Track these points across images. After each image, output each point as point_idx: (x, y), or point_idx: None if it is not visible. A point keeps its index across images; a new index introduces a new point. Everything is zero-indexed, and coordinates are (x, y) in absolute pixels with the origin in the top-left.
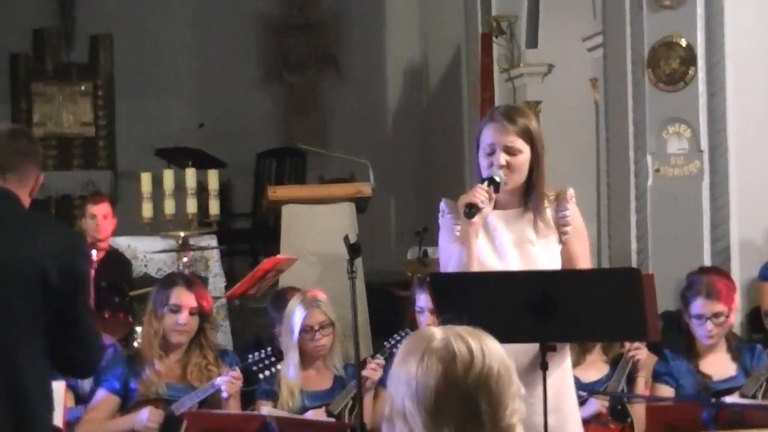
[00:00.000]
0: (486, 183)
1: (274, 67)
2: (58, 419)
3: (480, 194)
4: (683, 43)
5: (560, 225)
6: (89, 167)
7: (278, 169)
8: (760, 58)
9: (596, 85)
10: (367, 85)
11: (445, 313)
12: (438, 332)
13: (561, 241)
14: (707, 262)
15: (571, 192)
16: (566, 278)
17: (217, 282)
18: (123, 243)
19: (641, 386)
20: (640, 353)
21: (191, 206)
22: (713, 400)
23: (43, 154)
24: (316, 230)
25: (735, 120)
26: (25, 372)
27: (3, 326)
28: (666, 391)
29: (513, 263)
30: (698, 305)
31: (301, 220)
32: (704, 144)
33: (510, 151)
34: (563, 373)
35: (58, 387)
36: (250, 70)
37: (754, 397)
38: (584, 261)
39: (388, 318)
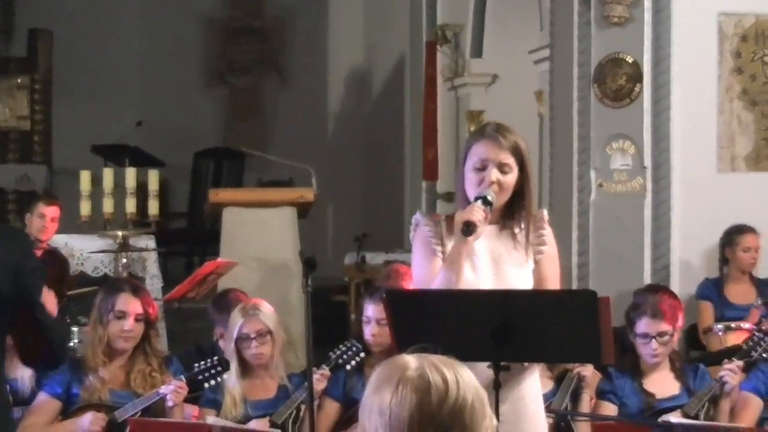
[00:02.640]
0: (480, 201)
1: (217, 70)
2: None
3: (478, 213)
4: (630, 60)
5: (536, 245)
6: (24, 161)
7: (216, 170)
8: (705, 78)
9: (541, 98)
10: (309, 90)
11: (401, 330)
12: (412, 361)
13: (534, 261)
14: (647, 279)
15: (545, 213)
16: (523, 299)
17: (154, 283)
18: (60, 241)
19: (586, 404)
20: (586, 371)
21: (131, 206)
22: (661, 420)
23: None
24: (258, 234)
25: (679, 139)
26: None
27: None
28: (610, 409)
29: (487, 280)
30: (643, 324)
31: (243, 224)
32: (648, 161)
33: (503, 168)
34: (524, 390)
35: None
36: (193, 71)
37: (696, 417)
38: (554, 284)
39: (325, 324)
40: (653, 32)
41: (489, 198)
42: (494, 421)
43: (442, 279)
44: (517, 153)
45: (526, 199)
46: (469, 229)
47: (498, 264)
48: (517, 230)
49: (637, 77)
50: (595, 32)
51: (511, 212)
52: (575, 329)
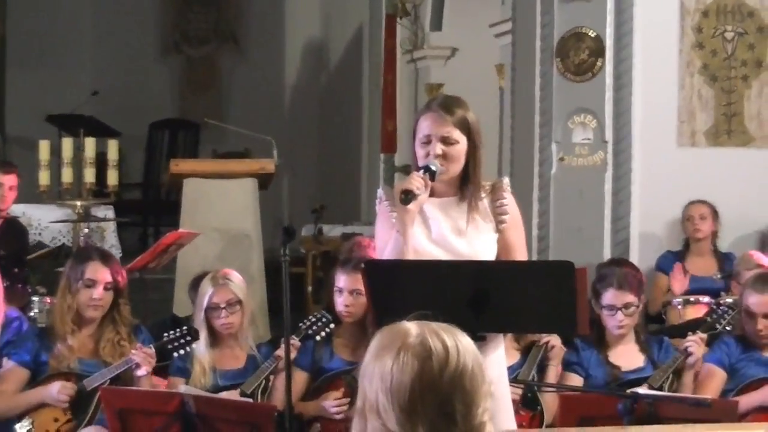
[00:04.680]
0: (422, 171)
1: (173, 39)
2: None
3: (416, 181)
4: (592, 34)
5: (497, 214)
6: None
7: (171, 140)
8: (667, 53)
9: (502, 72)
10: (266, 61)
11: (379, 301)
12: (413, 328)
13: (498, 230)
14: (607, 252)
15: (506, 181)
16: (500, 269)
17: (113, 253)
18: (18, 210)
19: (552, 375)
20: (553, 341)
21: (89, 176)
22: (629, 391)
23: None
24: (219, 205)
25: (640, 113)
26: None
27: None
28: (576, 380)
29: (448, 251)
30: (609, 296)
31: (204, 195)
32: (609, 135)
33: (446, 141)
34: (496, 360)
35: None
36: (148, 40)
37: (660, 388)
38: (521, 250)
39: (282, 295)
40: (616, 7)
41: (433, 168)
42: (492, 387)
43: (390, 247)
44: (464, 125)
45: (471, 168)
46: (407, 197)
47: (458, 235)
48: (476, 200)
49: (599, 52)
50: (558, 6)
51: (467, 183)
52: (553, 300)
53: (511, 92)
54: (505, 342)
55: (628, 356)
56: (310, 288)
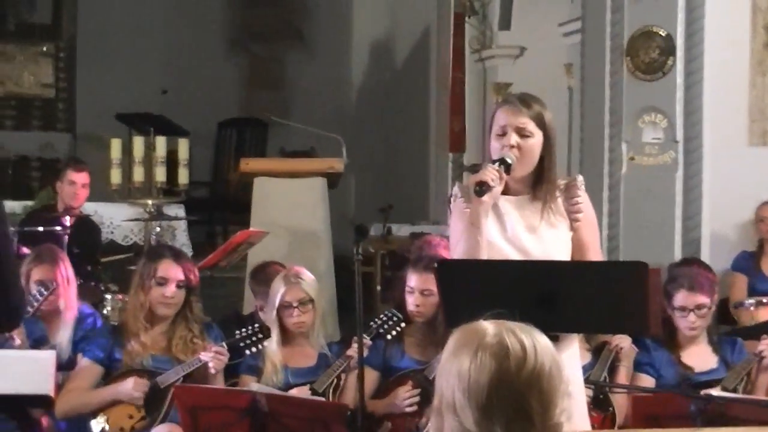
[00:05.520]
0: (497, 163)
1: (239, 37)
2: (49, 388)
3: (491, 173)
4: (663, 33)
5: (572, 212)
6: (48, 129)
7: (239, 139)
8: (738, 52)
9: (571, 71)
10: (332, 59)
11: (451, 300)
12: (491, 327)
13: (572, 229)
14: (678, 252)
15: (580, 179)
16: (572, 269)
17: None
18: (90, 209)
19: (623, 376)
20: (623, 342)
21: (160, 174)
22: (702, 392)
23: (2, 114)
24: (288, 204)
25: (711, 112)
26: None
27: None
28: (647, 381)
29: (520, 250)
30: (681, 297)
31: (273, 194)
32: (679, 135)
33: (521, 132)
34: (571, 359)
35: (49, 356)
36: (215, 39)
37: (734, 390)
38: (594, 249)
39: (350, 294)
40: (686, 5)
41: (508, 160)
42: (569, 387)
43: (464, 241)
44: (540, 120)
45: (547, 167)
46: (481, 189)
47: (533, 233)
48: (550, 199)
49: (670, 50)
50: (628, 5)
51: (541, 181)
52: (625, 301)
53: (581, 92)
54: None
55: (700, 357)
56: (378, 287)
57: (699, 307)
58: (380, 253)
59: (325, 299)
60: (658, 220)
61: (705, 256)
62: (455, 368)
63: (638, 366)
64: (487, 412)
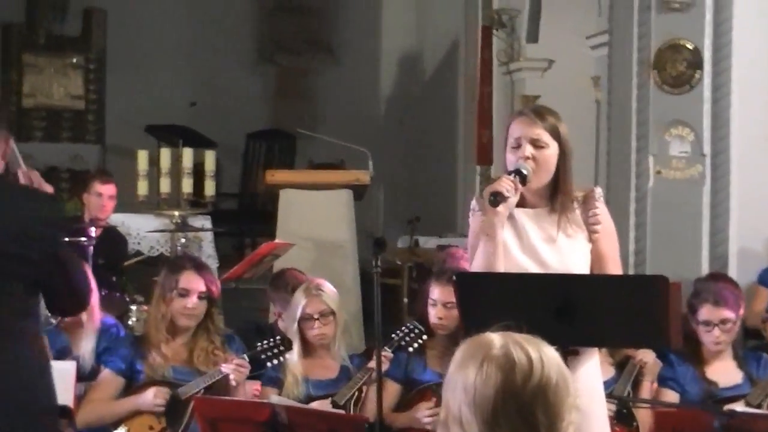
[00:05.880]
0: (512, 174)
1: (267, 49)
2: (69, 398)
3: (505, 183)
4: (690, 46)
5: (590, 224)
6: (77, 140)
7: (267, 151)
8: (766, 65)
9: (598, 84)
10: (361, 71)
11: (470, 312)
12: (497, 339)
13: (590, 240)
14: (705, 267)
15: (599, 191)
16: (592, 282)
17: (210, 263)
18: (117, 219)
19: (647, 390)
20: (647, 357)
21: (187, 186)
22: (725, 408)
23: (32, 125)
24: (314, 216)
25: (738, 126)
26: (14, 336)
27: None
28: (671, 396)
29: (538, 262)
30: (705, 312)
31: (299, 206)
32: (707, 148)
33: (536, 143)
34: (589, 374)
35: (69, 367)
36: (243, 50)
37: (759, 406)
38: (614, 261)
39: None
40: (714, 18)
41: (523, 171)
42: (578, 399)
43: (480, 252)
44: (554, 131)
45: (563, 178)
46: (496, 198)
47: (550, 245)
48: (567, 210)
49: (697, 64)
50: (655, 17)
51: (557, 193)
52: (645, 314)
53: (608, 104)
54: (599, 357)
55: (725, 372)
56: (405, 299)
57: (723, 321)
58: (407, 266)
59: (351, 311)
60: (685, 234)
61: (732, 271)
62: (461, 381)
63: (662, 381)
64: (493, 425)
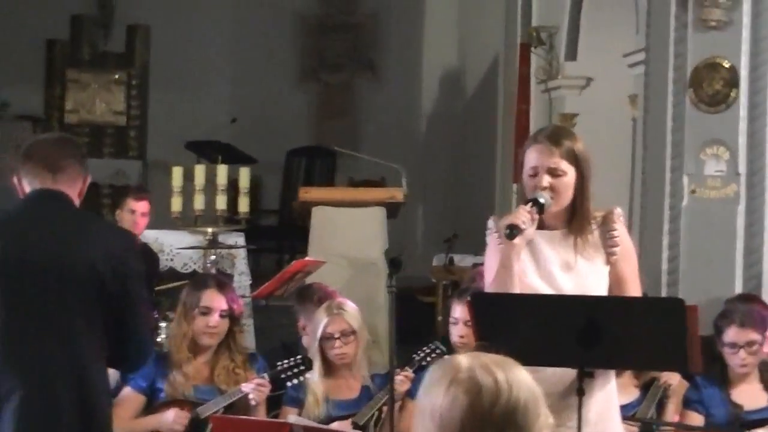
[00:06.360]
0: (530, 204)
1: (309, 66)
2: None
3: (522, 215)
4: (727, 64)
5: (608, 246)
6: (119, 156)
7: (308, 168)
8: None
9: (635, 102)
10: (402, 89)
11: (485, 333)
12: (464, 362)
13: (609, 262)
14: (739, 287)
15: (618, 212)
16: (609, 305)
17: (242, 280)
18: (151, 236)
19: (672, 413)
20: (672, 379)
21: (221, 203)
22: None
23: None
24: (346, 233)
25: None
26: (90, 369)
27: (68, 325)
28: (696, 419)
29: (558, 285)
30: (731, 333)
31: (332, 223)
32: (742, 168)
33: (554, 173)
34: (607, 395)
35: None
36: (285, 67)
37: None
38: (633, 283)
39: (412, 324)
40: (751, 37)
41: (541, 200)
42: (549, 419)
43: (496, 282)
44: (571, 156)
45: (579, 200)
46: (512, 231)
47: (568, 268)
48: (584, 233)
49: (734, 82)
50: (692, 36)
51: (575, 215)
52: (662, 337)
53: (644, 123)
54: (624, 378)
55: (751, 395)
56: (440, 318)
57: (750, 343)
58: (442, 284)
59: (383, 330)
60: (719, 254)
61: (766, 292)
62: (428, 406)
63: (688, 403)
64: None
